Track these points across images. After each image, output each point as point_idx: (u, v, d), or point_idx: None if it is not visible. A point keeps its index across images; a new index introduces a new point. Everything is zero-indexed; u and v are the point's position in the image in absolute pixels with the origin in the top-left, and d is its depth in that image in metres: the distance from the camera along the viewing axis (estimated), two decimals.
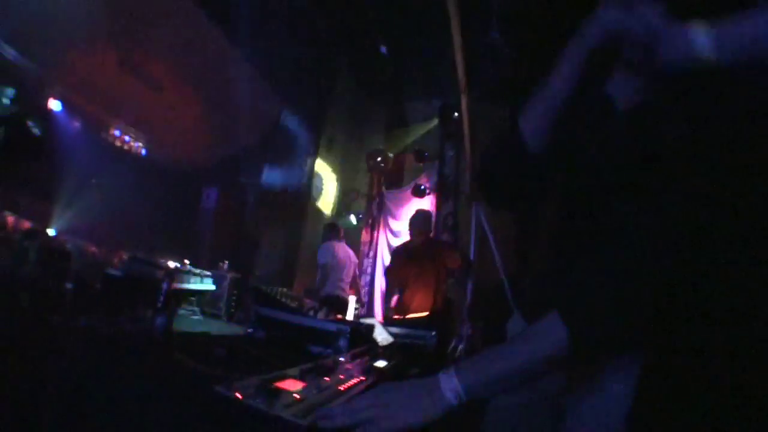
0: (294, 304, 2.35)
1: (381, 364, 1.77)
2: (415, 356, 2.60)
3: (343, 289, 5.48)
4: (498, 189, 1.17)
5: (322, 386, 1.09)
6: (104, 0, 5.46)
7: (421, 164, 6.84)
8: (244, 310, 5.80)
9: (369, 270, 9.10)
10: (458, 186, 5.99)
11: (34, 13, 5.24)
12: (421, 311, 3.84)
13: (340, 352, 2.06)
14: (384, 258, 8.54)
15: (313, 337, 2.12)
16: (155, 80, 6.89)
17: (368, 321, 2.85)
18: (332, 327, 2.12)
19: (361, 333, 2.35)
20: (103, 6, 5.50)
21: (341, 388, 1.13)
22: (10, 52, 5.79)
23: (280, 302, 2.26)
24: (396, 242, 8.08)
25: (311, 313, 2.25)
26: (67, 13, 5.37)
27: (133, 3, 5.66)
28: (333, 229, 5.74)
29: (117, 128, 7.79)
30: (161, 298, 1.26)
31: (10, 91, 3.39)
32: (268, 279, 7.97)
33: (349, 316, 7.08)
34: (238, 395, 0.88)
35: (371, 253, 9.02)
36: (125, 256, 4.44)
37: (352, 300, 5.68)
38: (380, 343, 2.56)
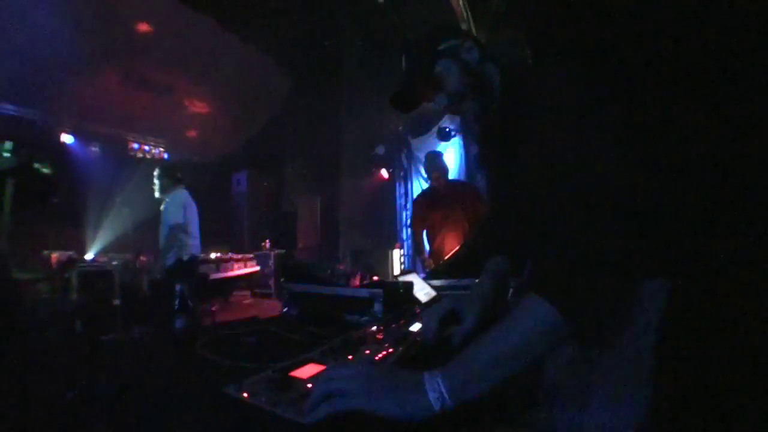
0: (326, 273, 2.31)
1: (416, 327, 1.72)
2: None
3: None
4: None
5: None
6: (92, 24, 5.43)
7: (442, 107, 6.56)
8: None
9: (408, 222, 9.06)
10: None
11: (24, 60, 5.30)
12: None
13: (376, 318, 2.02)
14: None
15: (346, 305, 2.09)
16: (162, 84, 6.90)
17: (406, 278, 2.78)
18: (364, 293, 2.08)
19: (398, 294, 2.30)
20: (92, 31, 5.48)
21: None
22: (7, 108, 5.96)
23: (308, 275, 2.23)
24: None
25: (342, 280, 2.21)
26: (58, 49, 5.41)
27: (121, 18, 5.61)
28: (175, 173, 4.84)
29: (134, 142, 7.93)
30: (177, 301, 1.23)
31: (7, 145, 3.51)
32: (312, 249, 8.10)
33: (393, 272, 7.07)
34: (245, 395, 0.83)
35: (407, 205, 8.96)
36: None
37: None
38: (422, 300, 2.50)
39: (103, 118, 7.35)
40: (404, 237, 9.11)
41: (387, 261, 8.83)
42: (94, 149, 7.58)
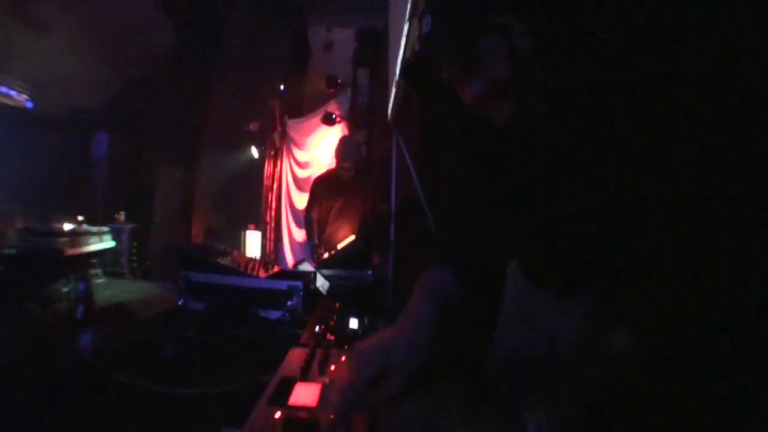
0: (226, 261, 2.02)
1: (354, 324, 1.57)
2: (365, 302, 2.42)
3: None
4: None
5: (338, 385, 0.86)
6: None
7: (331, 91, 6.35)
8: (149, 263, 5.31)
9: (273, 205, 8.69)
10: (372, 115, 5.67)
11: None
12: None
13: (295, 313, 1.82)
14: (290, 191, 8.17)
15: (260, 299, 1.84)
16: (42, 22, 5.53)
17: (305, 268, 2.60)
18: (282, 285, 1.86)
19: (312, 286, 2.11)
20: None
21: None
22: None
23: (212, 263, 1.91)
24: (302, 173, 7.70)
25: (251, 270, 1.95)
26: None
27: None
28: None
29: (2, 84, 6.26)
30: (80, 308, 0.90)
31: None
32: (168, 225, 7.28)
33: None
34: None
35: (275, 186, 8.56)
36: (17, 228, 3.58)
37: None
38: (322, 291, 2.34)
39: None
40: (267, 220, 8.72)
41: (240, 242, 8.42)
42: None
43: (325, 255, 3.56)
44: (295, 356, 1.05)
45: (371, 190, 3.90)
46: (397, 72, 2.16)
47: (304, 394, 0.79)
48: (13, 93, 6.18)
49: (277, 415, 0.70)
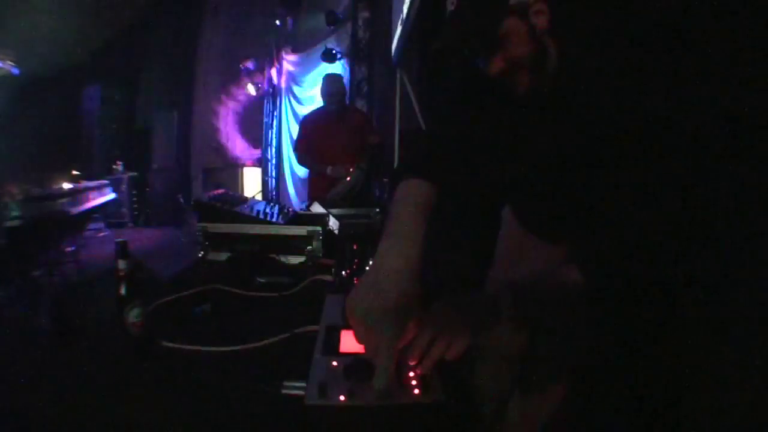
0: (244, 209, 2.05)
1: None
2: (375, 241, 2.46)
3: None
4: None
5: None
6: None
7: (332, 27, 6.05)
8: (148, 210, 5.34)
9: (274, 143, 8.59)
10: (373, 51, 5.45)
11: None
12: (342, 179, 3.64)
13: (316, 256, 1.87)
14: (290, 129, 8.05)
15: (280, 245, 1.89)
16: None
17: (317, 210, 2.63)
18: (301, 230, 1.89)
19: (327, 228, 2.15)
20: None
21: None
22: None
23: (230, 213, 1.94)
24: (302, 110, 7.55)
25: (268, 216, 1.98)
26: None
27: None
28: None
29: None
30: (123, 287, 0.93)
31: None
32: (168, 171, 7.24)
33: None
34: (342, 398, 0.68)
35: (274, 123, 8.43)
36: (18, 199, 3.51)
37: None
38: (334, 231, 2.38)
39: None
40: (268, 157, 8.65)
41: (238, 180, 8.43)
42: None
43: (328, 191, 3.58)
44: (333, 304, 1.11)
45: (362, 123, 3.87)
46: (404, 11, 2.07)
47: (352, 341, 0.83)
48: None
49: (335, 363, 0.75)
